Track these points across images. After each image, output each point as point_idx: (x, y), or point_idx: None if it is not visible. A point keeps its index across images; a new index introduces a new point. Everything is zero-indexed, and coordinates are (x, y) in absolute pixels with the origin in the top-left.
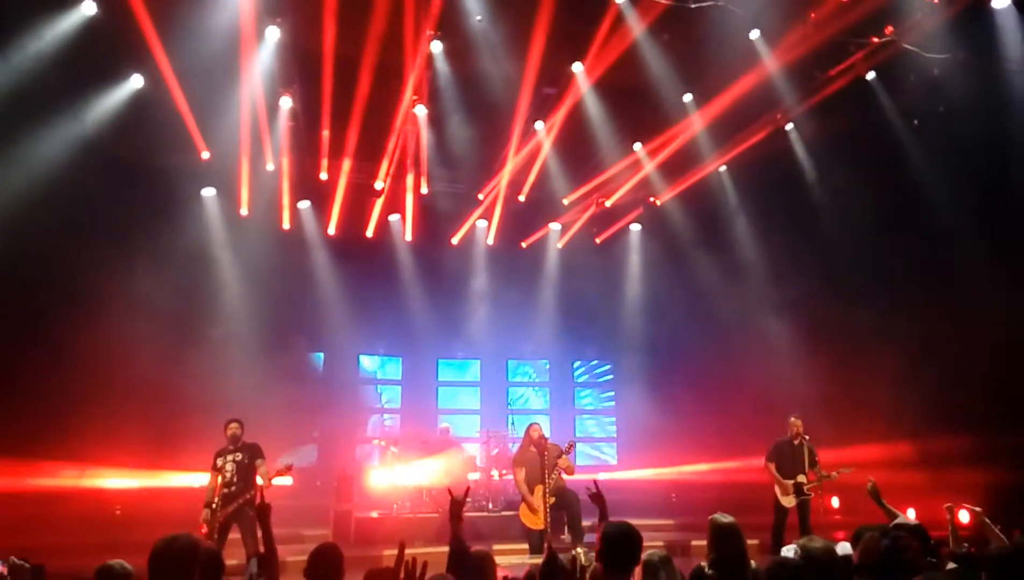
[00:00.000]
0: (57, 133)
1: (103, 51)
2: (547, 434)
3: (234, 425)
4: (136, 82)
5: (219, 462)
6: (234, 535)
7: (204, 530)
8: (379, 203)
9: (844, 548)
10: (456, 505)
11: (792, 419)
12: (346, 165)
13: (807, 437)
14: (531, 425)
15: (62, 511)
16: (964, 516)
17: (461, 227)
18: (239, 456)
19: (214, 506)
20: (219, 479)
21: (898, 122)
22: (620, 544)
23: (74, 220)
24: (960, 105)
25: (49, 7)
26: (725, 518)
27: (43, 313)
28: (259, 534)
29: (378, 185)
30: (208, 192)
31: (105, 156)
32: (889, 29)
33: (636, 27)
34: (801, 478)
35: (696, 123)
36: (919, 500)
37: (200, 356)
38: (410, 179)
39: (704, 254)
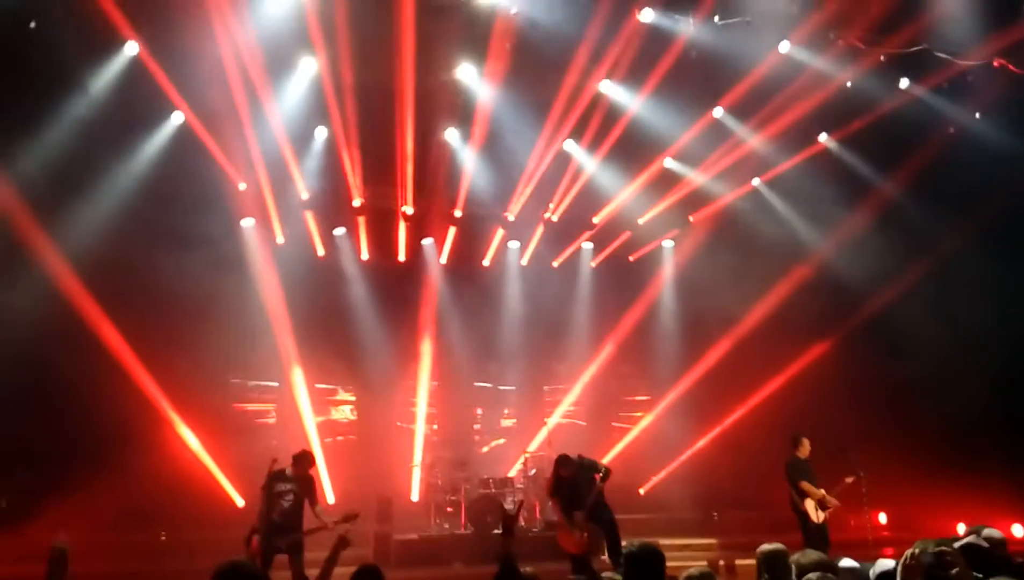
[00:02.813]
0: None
1: (146, 89)
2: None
3: (306, 462)
4: (177, 118)
5: (277, 488)
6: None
7: (254, 549)
8: (403, 226)
9: (884, 565)
10: (509, 520)
11: (805, 438)
12: (377, 191)
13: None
14: (558, 459)
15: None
16: (1017, 530)
17: (489, 248)
18: (296, 487)
19: (266, 532)
20: (273, 506)
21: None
22: (643, 564)
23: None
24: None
25: (96, 53)
26: (771, 545)
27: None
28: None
29: (408, 209)
30: (247, 222)
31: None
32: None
33: (665, 43)
34: (823, 492)
35: (732, 137)
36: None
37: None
38: (441, 202)
39: (740, 268)
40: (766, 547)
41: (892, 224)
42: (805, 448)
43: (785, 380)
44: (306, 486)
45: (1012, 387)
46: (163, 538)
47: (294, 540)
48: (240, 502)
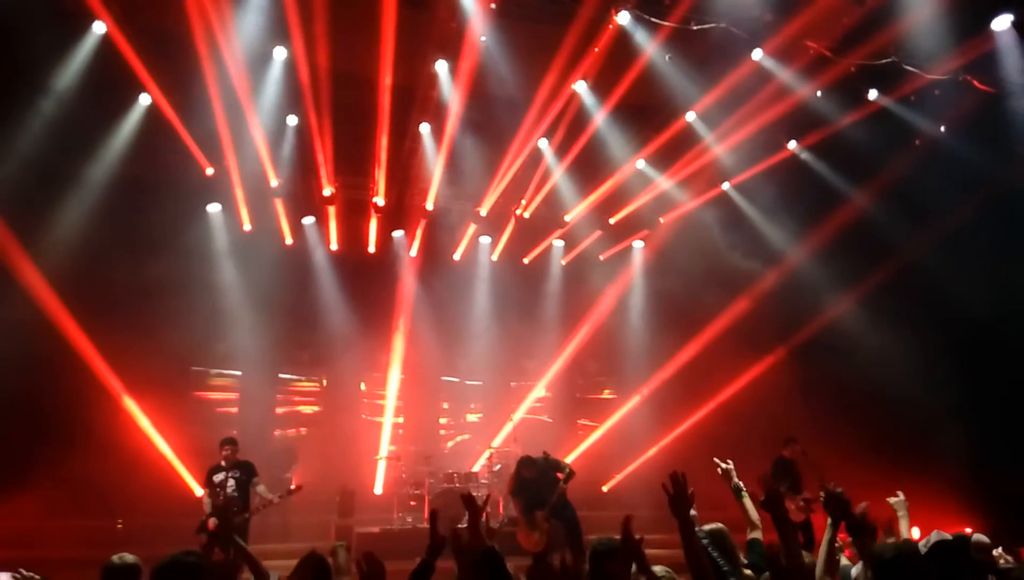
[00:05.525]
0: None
1: (114, 72)
2: (549, 448)
3: (232, 446)
4: (144, 100)
5: (216, 478)
6: None
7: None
8: (374, 218)
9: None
10: (475, 515)
11: (795, 440)
12: (348, 181)
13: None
14: (521, 461)
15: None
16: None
17: (460, 243)
18: (237, 474)
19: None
20: (218, 495)
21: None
22: (607, 560)
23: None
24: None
25: (63, 35)
26: (713, 524)
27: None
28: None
29: (379, 201)
30: (213, 208)
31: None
32: (890, 49)
33: (640, 47)
34: (807, 494)
35: (702, 142)
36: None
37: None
38: (413, 195)
39: (706, 272)
40: (708, 526)
41: (852, 233)
42: (793, 449)
43: (747, 382)
44: (243, 469)
45: (966, 394)
46: (120, 525)
47: (242, 521)
48: (199, 491)
